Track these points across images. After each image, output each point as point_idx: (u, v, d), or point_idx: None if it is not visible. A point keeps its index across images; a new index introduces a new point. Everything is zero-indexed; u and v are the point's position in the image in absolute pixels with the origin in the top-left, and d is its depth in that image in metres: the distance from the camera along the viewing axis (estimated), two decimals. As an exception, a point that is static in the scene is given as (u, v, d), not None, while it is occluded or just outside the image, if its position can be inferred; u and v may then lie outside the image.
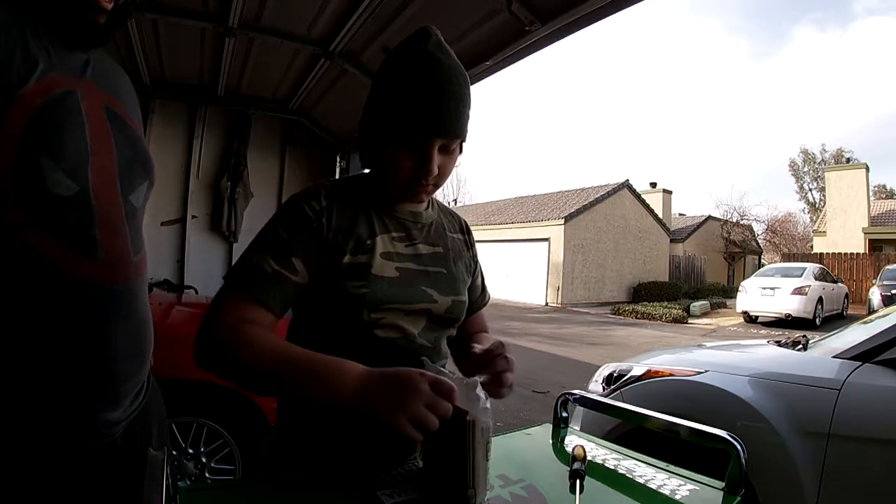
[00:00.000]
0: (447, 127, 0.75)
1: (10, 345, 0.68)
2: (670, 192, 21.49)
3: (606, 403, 1.02)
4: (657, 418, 0.91)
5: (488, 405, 0.66)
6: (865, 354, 1.64)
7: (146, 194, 0.87)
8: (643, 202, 18.80)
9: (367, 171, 0.88)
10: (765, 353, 2.15)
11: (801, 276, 11.28)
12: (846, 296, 13.31)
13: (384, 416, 0.62)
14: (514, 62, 2.21)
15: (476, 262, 0.97)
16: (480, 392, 0.66)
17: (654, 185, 21.78)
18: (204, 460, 2.06)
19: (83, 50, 0.77)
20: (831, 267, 15.32)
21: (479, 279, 0.99)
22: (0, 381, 0.68)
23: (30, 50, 0.67)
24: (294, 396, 0.77)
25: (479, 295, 0.99)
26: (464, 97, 0.77)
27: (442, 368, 0.73)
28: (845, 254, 17.03)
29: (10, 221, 0.66)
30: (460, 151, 0.83)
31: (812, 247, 20.81)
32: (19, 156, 0.65)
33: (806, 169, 34.55)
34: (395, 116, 0.76)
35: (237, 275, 0.74)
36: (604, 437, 1.13)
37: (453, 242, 0.91)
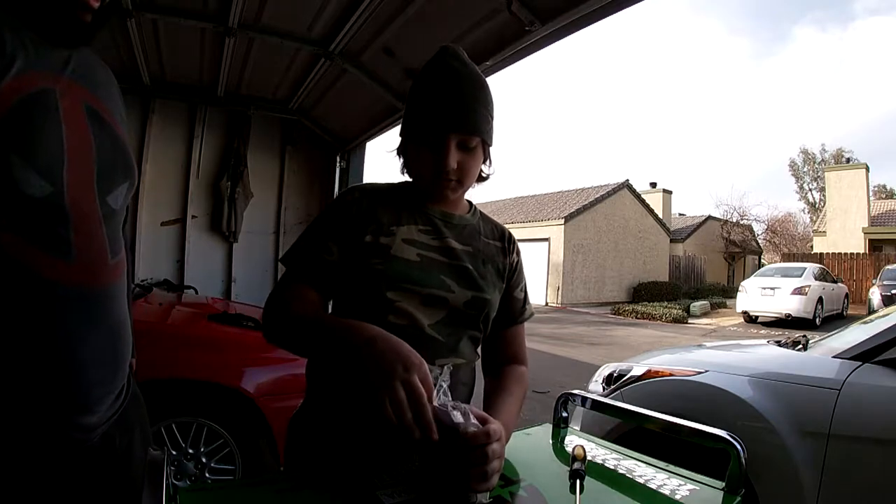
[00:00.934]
0: (460, 122, 0.80)
1: None
2: (670, 192, 21.50)
3: (606, 403, 1.02)
4: (657, 418, 0.91)
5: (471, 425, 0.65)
6: (865, 354, 1.64)
7: (126, 195, 0.85)
8: (643, 202, 18.80)
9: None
10: (765, 353, 2.15)
11: (801, 276, 11.29)
12: (846, 296, 13.31)
13: (371, 377, 0.62)
14: (514, 62, 2.21)
15: (515, 272, 0.96)
16: (462, 418, 0.65)
17: (654, 185, 21.78)
18: (204, 460, 2.06)
19: (66, 47, 0.75)
20: (831, 267, 15.31)
21: (520, 292, 0.97)
22: None
23: (6, 48, 0.65)
24: (328, 357, 0.76)
25: (519, 307, 0.97)
26: (479, 97, 0.83)
27: (441, 383, 0.71)
28: (845, 254, 17.02)
29: None
30: (486, 156, 0.87)
31: (812, 247, 20.80)
32: None
33: (806, 169, 34.54)
34: (416, 119, 0.83)
35: (288, 258, 0.84)
36: (604, 437, 1.13)
37: (486, 246, 0.92)
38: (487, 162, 0.89)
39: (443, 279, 0.83)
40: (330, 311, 0.87)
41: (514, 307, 0.96)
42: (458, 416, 0.64)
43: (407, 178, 0.91)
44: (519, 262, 0.97)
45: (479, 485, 0.64)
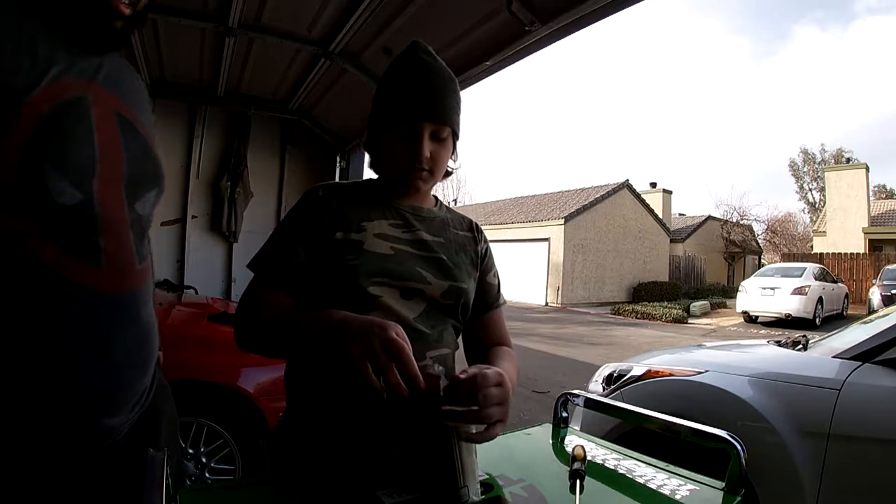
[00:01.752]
0: (433, 111, 0.82)
1: (12, 352, 0.67)
2: (670, 192, 21.50)
3: (606, 403, 1.02)
4: (657, 418, 0.91)
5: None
6: (865, 354, 1.64)
7: (154, 202, 0.86)
8: (643, 202, 18.80)
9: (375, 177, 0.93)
10: (765, 353, 2.15)
11: (801, 276, 11.28)
12: (846, 296, 13.31)
13: (350, 350, 0.62)
14: (514, 62, 2.21)
15: (486, 258, 0.97)
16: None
17: (654, 185, 21.78)
18: (204, 460, 2.06)
19: (97, 54, 0.75)
20: (831, 267, 15.31)
21: (493, 278, 0.99)
22: (2, 387, 0.68)
23: (39, 56, 0.66)
24: (305, 351, 0.77)
25: (494, 293, 0.99)
26: (449, 90, 0.84)
27: (432, 365, 0.71)
28: (845, 254, 17.03)
29: (12, 229, 0.65)
30: (454, 149, 0.89)
31: (812, 247, 20.81)
32: (23, 165, 0.64)
33: (806, 169, 34.55)
34: (388, 109, 0.84)
35: (255, 264, 0.84)
36: (604, 437, 1.13)
37: (456, 236, 0.93)
38: (454, 156, 0.91)
39: (418, 271, 0.83)
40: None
41: (490, 293, 0.97)
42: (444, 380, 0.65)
43: (374, 175, 0.92)
44: (488, 248, 0.99)
45: (480, 434, 0.64)
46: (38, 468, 0.71)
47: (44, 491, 0.71)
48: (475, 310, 0.94)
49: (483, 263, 0.97)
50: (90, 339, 0.72)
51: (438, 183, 0.91)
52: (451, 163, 0.91)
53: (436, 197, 0.98)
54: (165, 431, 0.90)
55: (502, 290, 1.02)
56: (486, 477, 0.74)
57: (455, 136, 0.87)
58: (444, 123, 0.83)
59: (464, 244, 0.94)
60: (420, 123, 0.81)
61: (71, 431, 0.73)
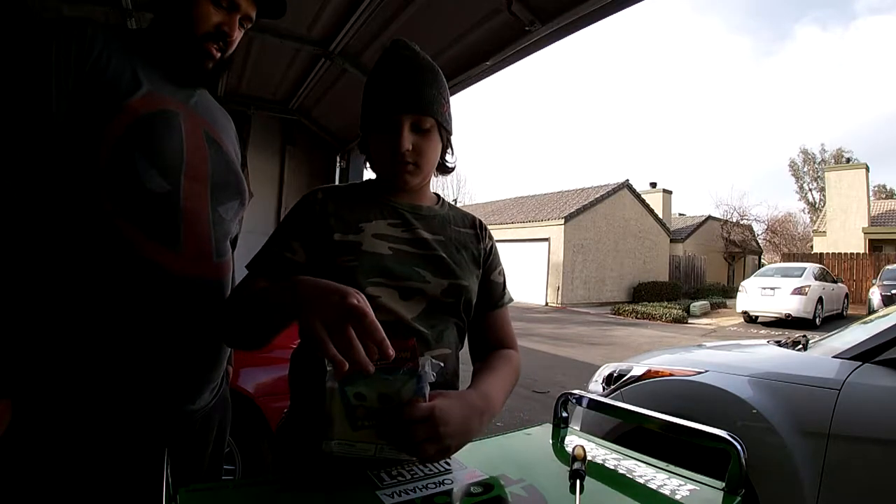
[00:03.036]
0: (411, 102, 0.81)
1: (97, 322, 0.77)
2: (670, 192, 21.50)
3: (606, 403, 1.02)
4: (657, 418, 0.91)
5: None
6: (865, 354, 1.64)
7: (237, 211, 0.97)
8: (643, 202, 18.81)
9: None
10: (765, 353, 2.15)
11: (801, 276, 11.28)
12: (846, 296, 13.30)
13: (305, 317, 0.60)
14: (514, 62, 2.20)
15: (490, 255, 0.96)
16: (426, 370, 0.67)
17: (654, 185, 21.79)
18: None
19: (192, 87, 0.90)
20: (831, 267, 15.32)
21: (499, 276, 0.97)
22: (88, 360, 0.76)
23: (138, 74, 0.82)
24: (268, 322, 0.72)
25: (499, 291, 0.97)
26: (429, 80, 0.84)
27: (429, 362, 0.71)
28: (845, 254, 17.02)
29: (104, 209, 0.77)
30: (446, 144, 0.88)
31: (812, 247, 20.80)
32: (117, 153, 0.77)
33: (806, 169, 34.57)
34: (370, 106, 0.84)
35: (251, 263, 0.84)
36: (604, 437, 1.13)
37: (458, 234, 0.92)
38: (449, 151, 0.90)
39: (417, 270, 0.83)
40: None
41: (494, 291, 0.96)
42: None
43: (373, 174, 0.93)
44: (493, 246, 0.98)
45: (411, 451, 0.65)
46: (125, 440, 0.79)
47: (126, 457, 0.79)
48: (479, 308, 0.93)
49: (487, 261, 0.95)
50: (166, 317, 0.81)
51: (440, 182, 0.92)
52: (449, 158, 0.91)
53: (437, 194, 0.97)
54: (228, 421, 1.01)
55: (508, 289, 1.00)
56: (487, 477, 0.74)
57: (442, 129, 0.86)
58: (424, 114, 0.82)
59: (465, 242, 0.92)
60: (399, 115, 0.81)
61: (154, 412, 0.81)
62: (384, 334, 0.59)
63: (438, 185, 32.75)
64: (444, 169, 0.92)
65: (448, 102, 0.87)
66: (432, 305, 0.84)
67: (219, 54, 0.88)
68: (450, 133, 0.89)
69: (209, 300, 0.86)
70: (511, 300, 1.00)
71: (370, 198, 0.88)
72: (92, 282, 0.77)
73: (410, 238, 0.85)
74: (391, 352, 0.60)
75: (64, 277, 0.77)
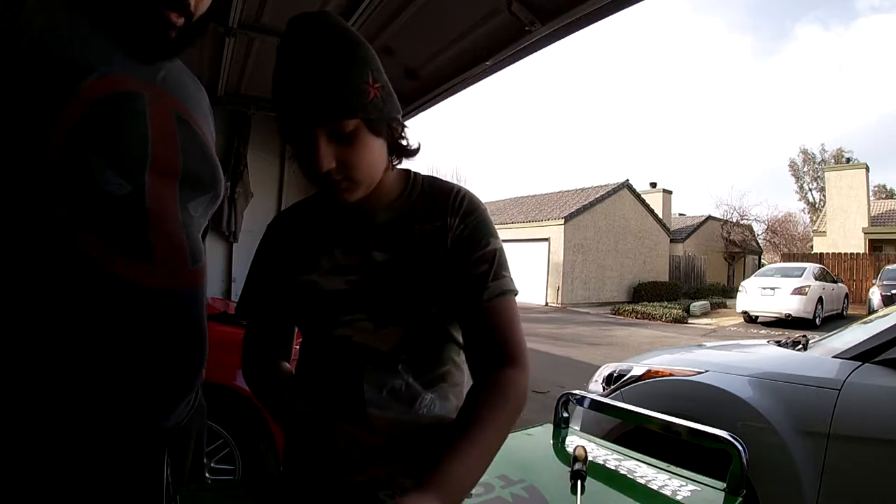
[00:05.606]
0: (319, 110, 0.64)
1: (59, 344, 0.66)
2: (670, 192, 21.49)
3: (606, 403, 1.02)
4: (657, 418, 0.91)
5: None
6: (865, 354, 1.63)
7: (208, 207, 0.84)
8: (643, 202, 18.80)
9: None
10: (765, 353, 2.15)
11: (801, 276, 11.28)
12: (846, 296, 13.30)
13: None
14: (514, 62, 2.20)
15: (460, 244, 0.75)
16: None
17: (654, 185, 21.78)
18: (204, 460, 2.06)
19: (154, 61, 0.76)
20: (831, 267, 15.31)
21: (481, 263, 0.74)
22: (52, 377, 0.66)
23: (92, 48, 0.67)
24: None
25: (479, 283, 0.73)
26: (337, 71, 0.65)
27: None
28: (845, 254, 17.02)
29: (61, 217, 0.64)
30: (388, 132, 0.71)
31: (812, 247, 20.80)
32: (65, 151, 0.64)
33: (806, 169, 34.55)
34: (279, 117, 0.70)
35: (239, 309, 0.84)
36: (604, 437, 1.13)
37: (418, 237, 0.76)
38: (401, 135, 0.74)
39: (379, 299, 0.74)
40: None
41: (473, 283, 0.73)
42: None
43: None
44: (470, 230, 0.76)
45: None
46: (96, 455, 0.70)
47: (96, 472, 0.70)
48: (460, 308, 0.74)
49: (456, 250, 0.75)
50: (138, 336, 0.70)
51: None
52: (404, 141, 0.75)
53: (409, 174, 0.81)
54: (194, 447, 0.91)
55: (500, 279, 0.75)
56: (486, 478, 0.74)
57: (372, 122, 0.68)
58: (342, 118, 0.65)
59: (428, 242, 0.75)
60: (311, 130, 0.65)
61: (125, 429, 0.72)
62: None
63: (438, 185, 32.56)
64: (405, 153, 0.76)
65: (379, 80, 0.69)
66: (412, 329, 0.74)
67: (180, 20, 0.72)
68: (390, 118, 0.71)
69: (185, 313, 0.77)
70: (501, 292, 0.74)
71: (326, 214, 0.80)
72: (48, 301, 0.65)
73: (366, 264, 0.75)
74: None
75: (14, 296, 0.64)
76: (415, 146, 0.76)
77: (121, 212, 0.68)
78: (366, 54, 0.69)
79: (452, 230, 0.76)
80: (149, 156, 0.71)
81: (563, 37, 1.93)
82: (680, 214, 24.93)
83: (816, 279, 11.35)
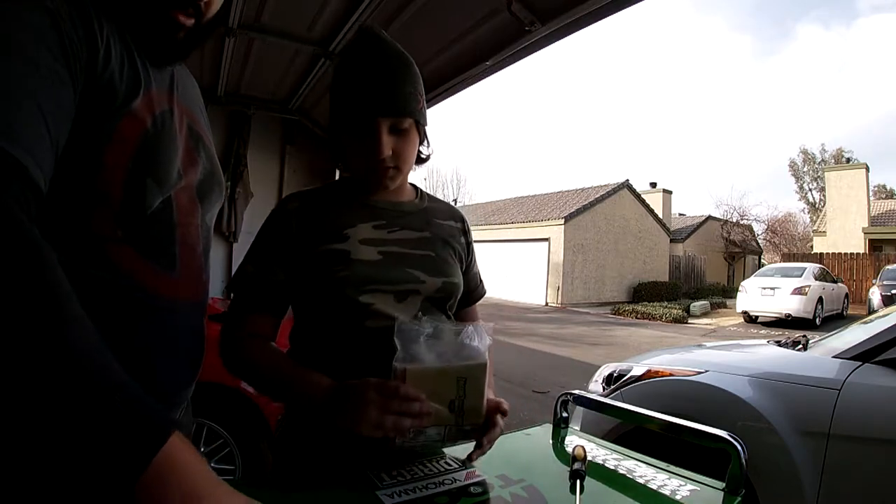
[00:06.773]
0: (389, 104, 0.76)
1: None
2: (670, 192, 21.49)
3: (606, 403, 1.02)
4: (657, 418, 0.91)
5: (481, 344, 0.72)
6: (865, 354, 1.64)
7: (215, 213, 0.86)
8: (643, 202, 18.80)
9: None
10: (765, 353, 2.15)
11: (801, 276, 11.28)
12: (846, 296, 13.30)
13: (351, 428, 0.67)
14: (514, 62, 2.20)
15: (470, 251, 0.96)
16: (469, 338, 0.71)
17: (654, 185, 21.78)
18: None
19: (166, 65, 0.74)
20: (831, 267, 15.31)
21: (476, 269, 0.98)
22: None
23: (135, 60, 0.65)
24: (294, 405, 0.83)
25: (477, 287, 0.99)
26: (405, 77, 0.79)
27: (417, 325, 0.71)
28: (845, 254, 17.03)
29: (101, 235, 0.64)
30: (422, 137, 0.84)
31: (812, 247, 20.81)
32: (129, 176, 0.63)
33: (806, 169, 34.59)
34: (342, 108, 0.79)
35: (234, 287, 0.83)
36: (604, 437, 1.13)
37: (442, 228, 0.90)
38: (425, 143, 0.86)
39: (410, 272, 0.81)
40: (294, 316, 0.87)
41: (473, 287, 0.97)
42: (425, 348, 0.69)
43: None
44: (470, 239, 0.97)
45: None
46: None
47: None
48: (458, 304, 0.91)
49: (468, 257, 0.95)
50: (163, 346, 0.71)
51: (440, 182, 0.90)
52: (423, 149, 0.87)
53: (414, 186, 0.94)
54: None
55: (483, 283, 1.02)
56: (486, 477, 0.74)
57: (419, 125, 0.82)
58: (403, 115, 0.77)
59: (450, 235, 0.91)
60: (376, 119, 0.76)
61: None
62: (426, 410, 0.67)
63: (438, 185, 32.66)
64: (420, 161, 0.88)
65: (423, 94, 0.83)
66: (427, 304, 0.83)
67: (190, 21, 0.70)
68: (426, 126, 0.85)
69: (197, 322, 0.79)
70: (485, 292, 1.02)
71: (348, 199, 0.85)
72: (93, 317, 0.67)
73: (398, 239, 0.83)
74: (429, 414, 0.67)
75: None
76: (426, 153, 0.88)
77: (154, 226, 0.69)
78: (417, 71, 0.83)
79: (466, 235, 0.94)
80: (180, 176, 0.72)
81: (563, 37, 1.93)
82: (680, 214, 24.94)
83: (816, 279, 11.36)
